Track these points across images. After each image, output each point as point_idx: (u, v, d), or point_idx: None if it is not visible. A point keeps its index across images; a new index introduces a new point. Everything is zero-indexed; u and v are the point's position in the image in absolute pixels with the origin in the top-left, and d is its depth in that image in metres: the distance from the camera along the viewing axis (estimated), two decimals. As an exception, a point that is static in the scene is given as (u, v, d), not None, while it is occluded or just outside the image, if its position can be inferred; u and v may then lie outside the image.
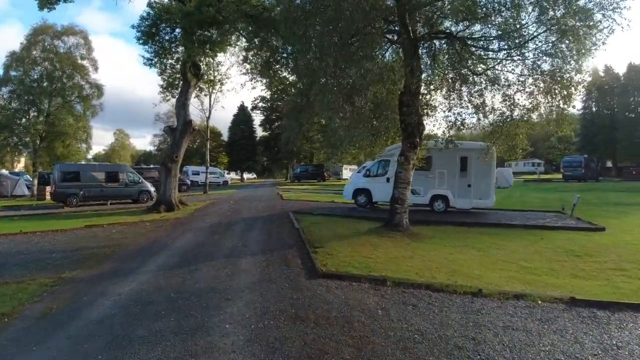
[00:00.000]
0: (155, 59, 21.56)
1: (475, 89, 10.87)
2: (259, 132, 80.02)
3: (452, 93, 11.15)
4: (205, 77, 23.22)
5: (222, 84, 24.32)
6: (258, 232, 11.92)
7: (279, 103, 79.17)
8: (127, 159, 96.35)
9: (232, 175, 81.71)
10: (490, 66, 11.06)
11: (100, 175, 24.60)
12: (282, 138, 66.59)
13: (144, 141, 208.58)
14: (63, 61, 34.12)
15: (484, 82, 10.70)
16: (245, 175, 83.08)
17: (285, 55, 16.50)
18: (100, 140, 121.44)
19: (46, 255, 9.68)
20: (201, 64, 22.68)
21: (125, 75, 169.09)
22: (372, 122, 13.30)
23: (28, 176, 39.92)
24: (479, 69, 10.77)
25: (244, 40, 21.87)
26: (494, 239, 11.25)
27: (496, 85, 10.50)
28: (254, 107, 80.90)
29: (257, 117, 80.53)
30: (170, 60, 21.86)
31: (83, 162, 26.97)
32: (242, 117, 74.44)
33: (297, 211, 16.72)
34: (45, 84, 33.77)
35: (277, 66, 18.10)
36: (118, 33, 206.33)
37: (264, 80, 22.85)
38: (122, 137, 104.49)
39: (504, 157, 13.83)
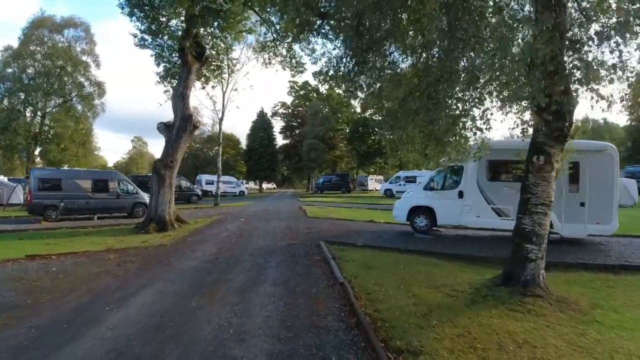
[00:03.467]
0: (149, 38, 17.09)
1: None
2: (279, 140, 75.78)
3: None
4: (212, 62, 18.53)
5: (232, 70, 19.61)
6: (271, 288, 6.78)
7: (299, 109, 75.05)
8: (145, 167, 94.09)
9: (251, 184, 77.64)
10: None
11: (86, 184, 20.22)
12: (303, 145, 61.98)
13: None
14: (61, 56, 30.36)
15: None
16: (265, 185, 78.74)
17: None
18: (121, 148, 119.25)
19: None
20: (207, 45, 18.07)
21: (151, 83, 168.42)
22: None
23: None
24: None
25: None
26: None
27: None
28: (274, 114, 77.06)
29: (277, 124, 76.60)
30: (167, 40, 17.33)
31: (66, 168, 22.48)
32: (261, 123, 70.17)
33: (330, 239, 11.64)
34: (40, 81, 29.99)
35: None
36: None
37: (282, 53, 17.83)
38: (140, 144, 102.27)
39: None
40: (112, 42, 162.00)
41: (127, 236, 13.83)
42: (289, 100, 77.44)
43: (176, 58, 17.82)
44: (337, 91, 73.11)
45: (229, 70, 23.31)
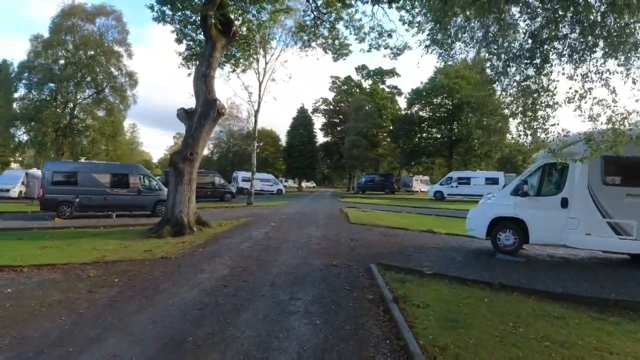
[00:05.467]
0: (169, 11, 14.73)
1: None
2: (320, 137, 73.21)
3: None
4: (241, 40, 15.84)
5: (264, 50, 16.92)
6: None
7: (342, 104, 71.99)
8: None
9: (290, 182, 75.64)
10: None
11: (104, 179, 18.39)
12: (345, 142, 58.94)
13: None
14: (91, 46, 29.03)
15: None
16: (304, 184, 76.46)
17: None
18: (167, 144, 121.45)
19: None
20: (236, 20, 15.50)
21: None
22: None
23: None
24: None
25: None
26: None
27: None
28: (315, 110, 74.55)
29: (318, 121, 74.10)
30: (190, 14, 14.91)
31: (83, 161, 20.75)
32: (301, 120, 67.92)
33: (383, 259, 8.60)
34: (71, 71, 28.79)
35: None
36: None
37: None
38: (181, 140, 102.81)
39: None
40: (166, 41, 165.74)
41: (135, 240, 11.62)
42: (330, 96, 74.74)
43: (201, 36, 15.41)
44: (381, 86, 69.99)
45: (264, 52, 20.77)
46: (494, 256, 9.28)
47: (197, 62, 16.19)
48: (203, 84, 13.87)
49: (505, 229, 9.33)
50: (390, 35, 14.43)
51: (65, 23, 29.31)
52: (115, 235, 12.57)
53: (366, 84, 70.80)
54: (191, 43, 15.64)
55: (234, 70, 18.25)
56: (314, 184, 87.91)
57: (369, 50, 14.78)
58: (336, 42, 18.68)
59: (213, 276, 7.28)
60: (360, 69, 69.89)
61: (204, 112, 13.84)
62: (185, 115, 14.22)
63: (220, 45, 14.27)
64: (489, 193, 10.73)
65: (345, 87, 71.50)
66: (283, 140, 74.13)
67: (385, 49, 14.69)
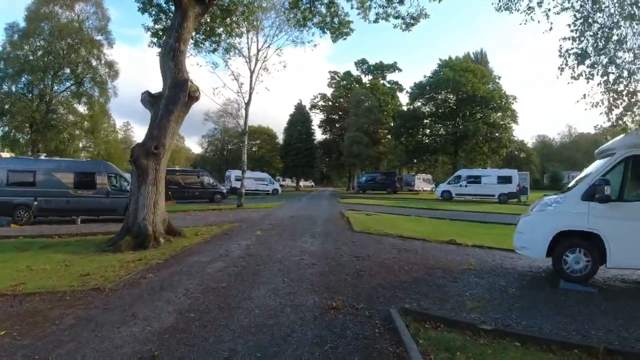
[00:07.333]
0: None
1: None
2: (318, 135, 70.60)
3: None
4: (219, 8, 13.15)
5: (255, 29, 14.24)
6: None
7: (341, 100, 69.36)
8: (182, 163, 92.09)
9: (287, 182, 73.12)
10: None
11: (67, 178, 15.95)
12: (345, 138, 56.31)
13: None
14: (64, 32, 26.41)
15: None
16: (302, 183, 73.91)
17: None
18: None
19: None
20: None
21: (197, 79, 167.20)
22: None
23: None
24: None
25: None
26: None
27: None
28: (313, 106, 71.93)
29: (316, 117, 71.49)
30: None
31: (43, 158, 18.20)
32: (298, 117, 65.35)
33: (407, 296, 5.98)
34: (47, 60, 26.20)
35: None
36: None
37: None
38: (177, 140, 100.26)
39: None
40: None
41: (86, 256, 9.12)
42: (329, 92, 72.14)
43: (172, 6, 12.77)
44: (382, 82, 67.26)
45: (255, 31, 18.17)
46: (556, 284, 6.65)
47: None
48: (171, 60, 11.24)
49: (574, 246, 6.65)
50: (401, 1, 11.86)
51: (43, 10, 26.88)
52: (67, 248, 10.14)
53: (366, 79, 68.39)
54: (162, 15, 12.98)
55: (214, 50, 15.55)
56: (313, 183, 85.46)
57: (375, 21, 12.17)
58: (335, 19, 16.11)
59: (145, 331, 4.63)
60: (360, 63, 67.45)
61: (172, 95, 11.22)
62: (150, 99, 11.60)
63: (193, 13, 11.62)
64: (545, 197, 7.95)
65: (345, 82, 69.01)
66: (280, 138, 71.62)
67: (396, 18, 12.11)
